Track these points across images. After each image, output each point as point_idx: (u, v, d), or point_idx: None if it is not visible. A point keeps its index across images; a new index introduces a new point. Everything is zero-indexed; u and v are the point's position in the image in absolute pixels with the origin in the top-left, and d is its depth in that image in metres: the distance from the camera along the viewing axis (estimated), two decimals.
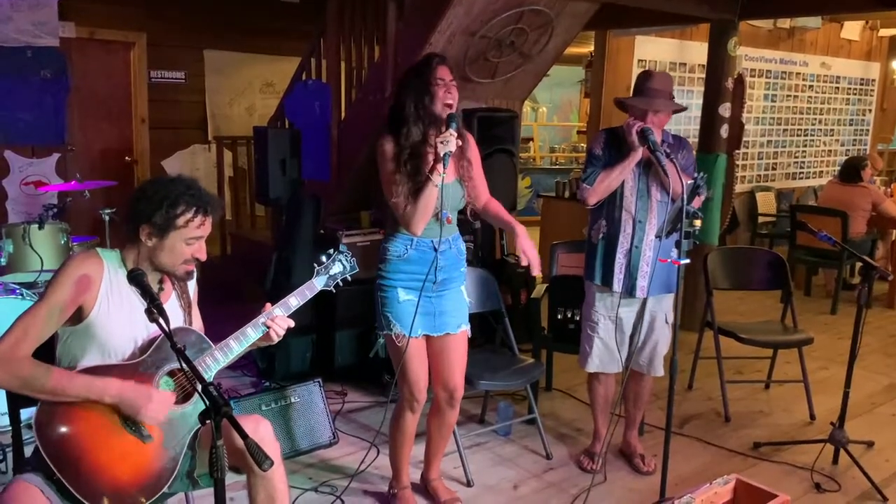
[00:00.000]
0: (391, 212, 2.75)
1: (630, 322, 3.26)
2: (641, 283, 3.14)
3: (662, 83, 3.11)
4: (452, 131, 2.61)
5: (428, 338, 2.84)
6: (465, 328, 2.89)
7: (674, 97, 3.17)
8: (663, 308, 3.26)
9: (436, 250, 2.74)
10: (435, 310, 2.80)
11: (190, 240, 2.09)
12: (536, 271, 2.77)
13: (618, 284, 3.17)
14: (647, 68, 6.71)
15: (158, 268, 2.11)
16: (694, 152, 3.30)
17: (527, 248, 2.75)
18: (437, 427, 3.01)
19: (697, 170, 3.18)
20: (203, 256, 2.15)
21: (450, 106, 2.67)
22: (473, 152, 2.86)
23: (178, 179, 2.13)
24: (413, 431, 2.96)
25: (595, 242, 3.24)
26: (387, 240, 2.80)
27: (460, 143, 2.67)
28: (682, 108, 3.27)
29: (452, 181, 2.75)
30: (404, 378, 2.81)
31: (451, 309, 2.83)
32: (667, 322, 3.27)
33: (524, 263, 2.75)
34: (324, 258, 2.40)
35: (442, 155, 2.58)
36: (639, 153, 3.04)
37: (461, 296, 2.90)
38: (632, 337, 3.29)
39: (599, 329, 3.27)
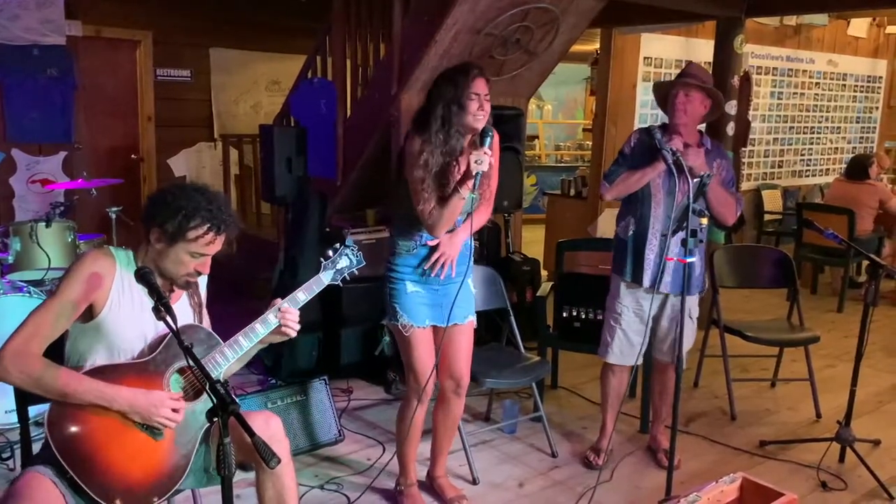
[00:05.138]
0: (404, 211, 2.75)
1: (648, 315, 3.27)
2: (666, 278, 3.17)
3: (697, 70, 3.16)
4: (487, 149, 2.58)
5: (435, 329, 2.86)
6: (472, 319, 2.93)
7: (710, 86, 3.14)
8: (688, 303, 3.26)
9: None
10: (442, 301, 2.83)
11: (196, 254, 2.07)
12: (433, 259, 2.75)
13: (648, 281, 3.19)
14: (654, 64, 6.76)
15: (161, 272, 2.08)
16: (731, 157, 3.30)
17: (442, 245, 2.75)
18: (443, 419, 3.02)
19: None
20: (206, 271, 2.14)
21: (480, 122, 2.64)
22: (495, 166, 2.80)
23: (203, 191, 2.09)
24: (420, 424, 2.97)
25: (624, 239, 3.27)
26: (398, 234, 2.82)
27: (493, 162, 2.66)
28: (712, 90, 3.12)
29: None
30: (410, 367, 2.84)
31: (459, 300, 2.84)
32: (691, 318, 3.29)
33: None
34: (330, 252, 2.41)
35: (474, 174, 2.55)
36: (661, 166, 3.04)
37: (468, 287, 2.92)
38: (654, 329, 3.31)
39: (623, 320, 3.30)
